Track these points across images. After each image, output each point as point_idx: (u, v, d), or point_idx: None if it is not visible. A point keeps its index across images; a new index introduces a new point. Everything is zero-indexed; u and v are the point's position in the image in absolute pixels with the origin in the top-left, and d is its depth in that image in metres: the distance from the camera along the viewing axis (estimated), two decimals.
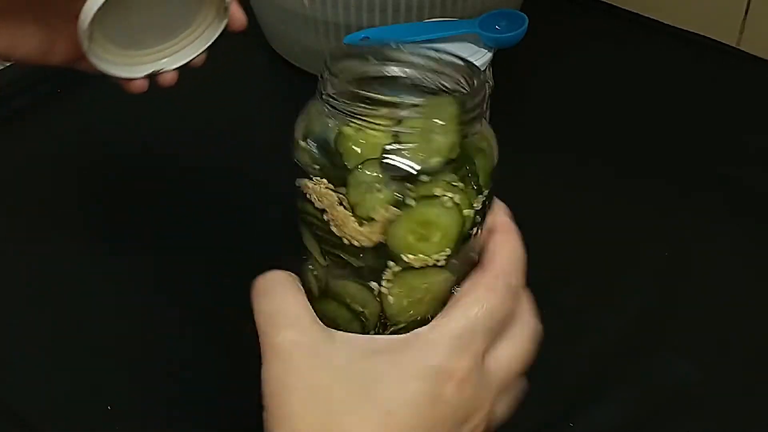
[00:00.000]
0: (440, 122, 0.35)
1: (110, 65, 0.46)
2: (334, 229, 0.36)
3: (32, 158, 0.68)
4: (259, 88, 0.77)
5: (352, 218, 0.36)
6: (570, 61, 0.77)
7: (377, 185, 0.35)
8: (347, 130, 0.36)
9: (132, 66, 0.48)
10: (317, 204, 0.36)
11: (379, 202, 0.35)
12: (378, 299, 0.37)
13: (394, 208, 0.35)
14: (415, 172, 0.35)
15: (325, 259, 0.38)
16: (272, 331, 0.36)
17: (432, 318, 0.37)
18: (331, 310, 0.38)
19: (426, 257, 0.36)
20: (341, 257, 0.37)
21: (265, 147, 0.69)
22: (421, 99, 0.37)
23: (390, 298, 0.37)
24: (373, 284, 0.37)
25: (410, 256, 0.36)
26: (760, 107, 0.73)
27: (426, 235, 0.36)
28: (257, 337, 0.37)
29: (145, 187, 0.65)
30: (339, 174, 0.36)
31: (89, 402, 0.51)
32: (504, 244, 0.38)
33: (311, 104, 0.38)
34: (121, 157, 0.67)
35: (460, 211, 0.36)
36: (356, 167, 0.35)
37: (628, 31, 0.82)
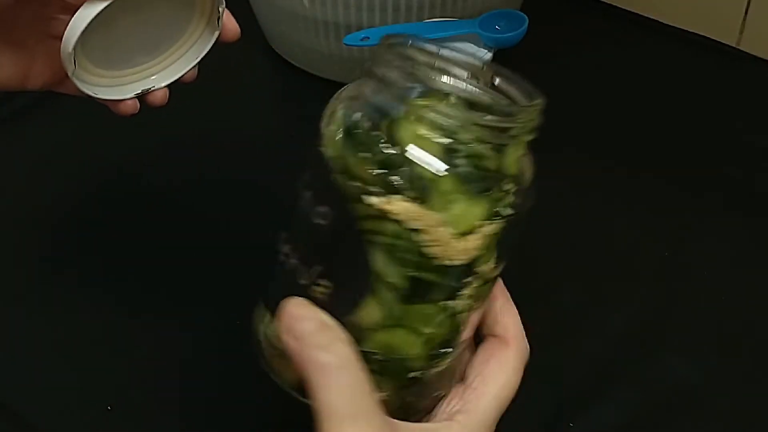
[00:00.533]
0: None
1: (96, 88, 0.44)
2: (430, 249, 0.34)
3: (32, 158, 0.68)
4: (259, 88, 0.77)
5: (454, 237, 0.34)
6: (570, 61, 0.77)
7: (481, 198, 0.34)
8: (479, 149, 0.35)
9: (119, 87, 0.45)
10: (410, 225, 0.34)
11: (481, 215, 0.34)
12: (451, 318, 0.37)
13: (500, 222, 0.35)
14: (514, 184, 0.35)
15: (404, 281, 0.35)
16: (334, 425, 0.34)
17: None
18: (398, 338, 0.36)
19: (499, 266, 0.37)
20: (422, 278, 0.35)
21: (266, 147, 0.69)
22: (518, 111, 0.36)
23: (463, 314, 0.37)
24: (451, 303, 0.36)
25: (493, 265, 0.36)
26: (760, 107, 0.73)
27: (491, 246, 0.36)
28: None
29: (144, 188, 0.65)
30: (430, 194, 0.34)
31: (89, 402, 0.51)
32: (511, 310, 0.40)
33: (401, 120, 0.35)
34: (120, 158, 0.67)
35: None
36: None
37: (628, 31, 0.81)
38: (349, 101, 0.36)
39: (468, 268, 0.35)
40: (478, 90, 0.36)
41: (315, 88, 0.72)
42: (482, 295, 0.38)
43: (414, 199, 0.33)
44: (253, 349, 0.53)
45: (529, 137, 0.36)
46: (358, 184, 0.34)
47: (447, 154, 0.34)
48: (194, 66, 0.46)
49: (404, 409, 0.38)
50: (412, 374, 0.37)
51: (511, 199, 0.35)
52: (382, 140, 0.34)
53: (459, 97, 0.35)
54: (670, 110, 0.73)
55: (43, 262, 0.59)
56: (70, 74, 0.41)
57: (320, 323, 0.35)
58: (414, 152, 0.34)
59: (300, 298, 0.36)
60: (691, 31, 0.80)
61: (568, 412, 0.51)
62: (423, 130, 0.34)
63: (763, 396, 0.52)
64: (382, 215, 0.34)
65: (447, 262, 0.34)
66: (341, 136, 0.35)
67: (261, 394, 0.51)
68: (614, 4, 0.84)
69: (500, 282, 0.40)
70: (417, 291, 0.35)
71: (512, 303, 0.40)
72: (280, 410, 0.51)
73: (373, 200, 0.34)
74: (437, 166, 0.34)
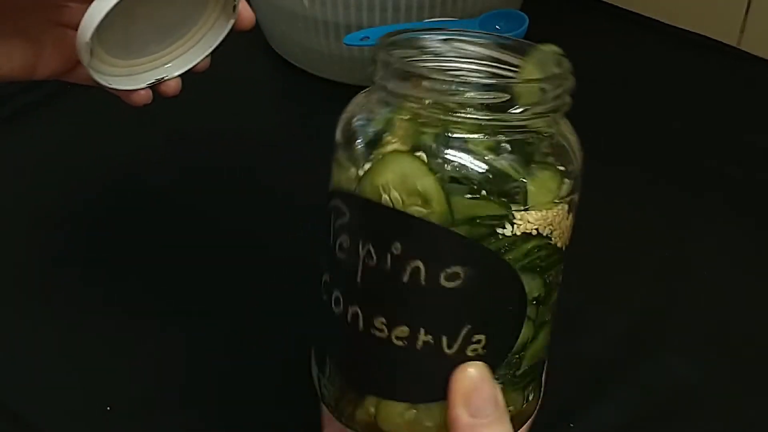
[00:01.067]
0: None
1: (111, 78, 0.43)
2: (560, 243, 0.35)
3: (32, 158, 0.68)
4: (259, 88, 0.77)
5: (568, 220, 0.35)
6: (570, 61, 0.77)
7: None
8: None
9: (133, 76, 0.44)
10: (544, 231, 0.34)
11: (570, 187, 0.35)
12: (553, 287, 0.37)
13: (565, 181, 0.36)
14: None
15: (543, 287, 0.35)
16: None
17: None
18: (543, 338, 0.37)
19: None
20: (556, 274, 0.36)
21: (266, 148, 0.69)
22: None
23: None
24: (560, 278, 0.37)
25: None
26: (760, 107, 0.73)
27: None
28: None
29: (144, 187, 0.65)
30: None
31: (89, 402, 0.51)
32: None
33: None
34: (120, 157, 0.67)
35: None
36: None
37: (628, 31, 0.81)
38: (384, 142, 0.34)
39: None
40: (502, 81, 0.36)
41: (315, 88, 0.72)
42: None
43: (532, 208, 0.33)
44: (253, 350, 0.54)
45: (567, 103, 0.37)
46: (484, 224, 0.33)
47: (519, 152, 0.34)
48: (208, 54, 0.45)
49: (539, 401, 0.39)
50: (546, 360, 0.38)
51: (568, 164, 0.36)
52: (473, 171, 0.33)
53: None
54: (670, 110, 0.73)
55: (43, 261, 0.59)
56: (85, 64, 0.40)
57: (495, 400, 0.34)
58: (499, 163, 0.33)
59: (480, 365, 0.34)
60: (691, 30, 0.80)
61: (569, 412, 0.51)
62: (484, 141, 0.33)
63: (763, 396, 0.52)
64: (520, 239, 0.33)
65: (564, 245, 0.36)
66: (440, 185, 0.33)
67: (261, 394, 0.51)
68: (614, 4, 0.84)
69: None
70: (551, 288, 0.36)
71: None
72: (280, 411, 0.51)
73: (507, 229, 0.33)
74: (524, 169, 0.34)
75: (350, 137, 0.35)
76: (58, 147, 0.69)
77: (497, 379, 0.35)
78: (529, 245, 0.34)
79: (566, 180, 0.35)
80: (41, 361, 0.53)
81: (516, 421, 0.37)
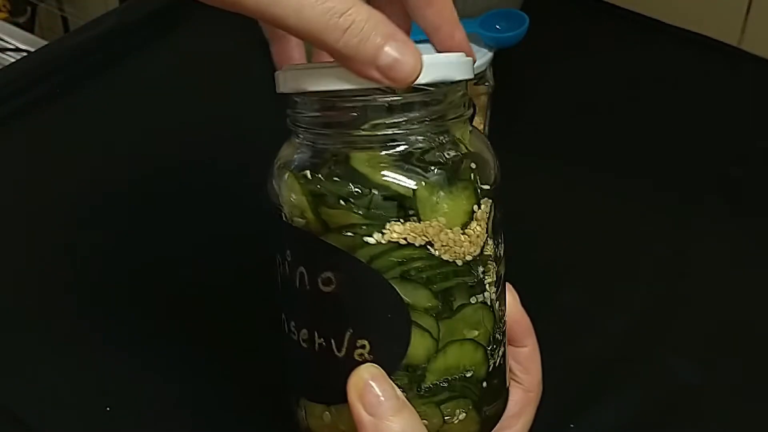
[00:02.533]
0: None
1: None
2: (445, 255, 0.35)
3: (31, 158, 0.68)
4: (259, 88, 0.77)
5: (460, 233, 0.35)
6: (570, 61, 0.77)
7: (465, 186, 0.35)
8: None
9: None
10: (417, 242, 0.34)
11: (469, 201, 0.35)
12: (489, 309, 0.37)
13: (488, 199, 0.36)
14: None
15: (435, 299, 0.35)
16: None
17: None
18: (455, 355, 0.36)
19: (501, 245, 0.38)
20: (450, 288, 0.36)
21: (265, 148, 0.69)
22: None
23: (496, 302, 0.37)
24: (482, 296, 0.36)
25: (498, 245, 0.37)
26: (761, 107, 0.73)
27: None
28: None
29: (143, 188, 0.65)
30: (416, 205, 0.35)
31: (89, 402, 0.51)
32: (537, 357, 0.42)
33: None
34: (120, 157, 0.67)
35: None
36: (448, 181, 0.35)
37: (628, 31, 0.81)
38: (289, 164, 0.37)
39: (482, 258, 0.36)
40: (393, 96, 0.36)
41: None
42: (499, 277, 0.38)
43: (407, 219, 0.34)
44: (253, 350, 0.54)
45: (467, 112, 0.37)
46: (349, 233, 0.34)
47: (408, 163, 0.34)
48: None
49: (487, 424, 0.38)
50: (483, 382, 0.37)
51: (479, 174, 0.36)
52: (347, 181, 0.34)
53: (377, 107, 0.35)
54: (670, 110, 0.73)
55: (42, 261, 0.59)
56: None
57: (390, 395, 0.35)
58: (387, 176, 0.34)
59: (371, 365, 0.35)
60: (692, 30, 0.80)
61: (569, 412, 0.51)
62: (373, 153, 0.35)
63: (763, 396, 0.52)
64: (388, 248, 0.34)
65: (462, 260, 0.35)
66: (308, 199, 0.35)
67: (261, 394, 0.51)
68: (615, 4, 0.84)
69: (531, 329, 0.41)
70: (451, 302, 0.35)
71: (538, 349, 0.42)
72: (280, 411, 0.51)
73: (374, 238, 0.34)
74: (410, 179, 0.34)
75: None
76: (54, 147, 0.69)
77: (400, 388, 0.35)
78: (399, 255, 0.34)
79: (443, 191, 0.34)
80: (41, 362, 0.53)
81: None
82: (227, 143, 0.68)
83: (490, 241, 0.36)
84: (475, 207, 0.35)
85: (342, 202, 0.34)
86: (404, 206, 0.34)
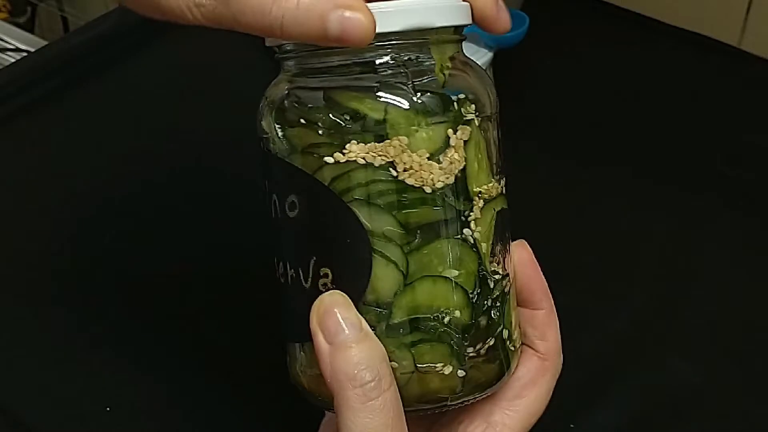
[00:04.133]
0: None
1: None
2: (408, 179, 0.33)
3: (31, 158, 0.68)
4: (259, 88, 0.77)
5: (427, 157, 0.33)
6: (570, 61, 0.77)
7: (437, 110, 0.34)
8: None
9: None
10: (377, 162, 0.33)
11: (447, 124, 0.34)
12: (472, 250, 0.34)
13: (467, 127, 0.34)
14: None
15: (399, 227, 0.34)
16: None
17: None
18: (426, 292, 0.34)
19: (496, 181, 0.35)
20: (415, 216, 0.33)
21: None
22: None
23: (484, 245, 0.35)
24: (464, 233, 0.34)
25: (490, 185, 0.35)
26: (761, 107, 0.73)
27: (490, 156, 0.35)
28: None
29: (143, 188, 0.65)
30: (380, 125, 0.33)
31: (88, 402, 0.51)
32: (554, 322, 0.40)
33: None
34: (119, 158, 0.67)
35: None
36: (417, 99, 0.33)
37: (628, 31, 0.81)
38: (269, 96, 0.37)
39: (462, 190, 0.34)
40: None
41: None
42: (494, 218, 0.36)
43: (368, 138, 0.33)
44: (253, 350, 0.54)
45: (450, 37, 0.35)
46: (312, 153, 0.34)
47: (371, 80, 0.34)
48: None
49: (473, 385, 0.36)
50: (466, 333, 0.35)
51: (462, 101, 0.34)
52: (308, 101, 0.34)
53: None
54: (670, 110, 0.73)
55: (42, 261, 0.59)
56: None
57: (353, 323, 0.33)
58: (346, 93, 0.33)
59: (334, 292, 0.34)
60: (692, 30, 0.80)
61: (569, 412, 0.51)
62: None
63: (764, 396, 0.52)
64: (348, 169, 0.33)
65: (431, 187, 0.33)
66: (275, 121, 0.35)
67: (261, 394, 0.51)
68: (615, 4, 0.84)
69: (547, 290, 0.40)
70: (417, 232, 0.34)
71: (555, 313, 0.40)
72: (280, 411, 0.51)
73: (334, 157, 0.33)
74: (369, 96, 0.33)
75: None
76: (56, 148, 0.69)
77: (369, 323, 0.33)
78: (359, 176, 0.33)
79: (406, 111, 0.33)
80: (41, 362, 0.53)
81: (415, 389, 0.35)
82: (226, 143, 0.68)
83: (480, 175, 0.35)
84: (450, 132, 0.34)
85: (302, 121, 0.34)
86: (364, 124, 0.33)
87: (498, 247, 0.36)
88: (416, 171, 0.33)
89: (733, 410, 0.51)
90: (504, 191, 0.37)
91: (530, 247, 0.39)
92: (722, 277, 0.59)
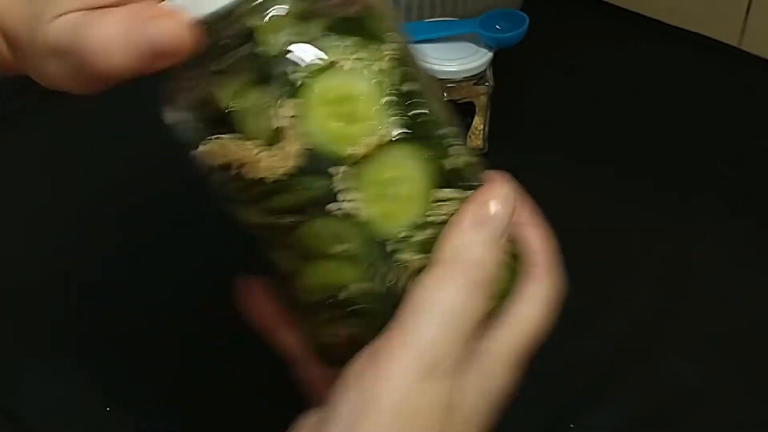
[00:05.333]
0: None
1: None
2: (250, 175, 0.31)
3: (31, 158, 0.68)
4: None
5: (259, 148, 0.31)
6: (570, 61, 0.77)
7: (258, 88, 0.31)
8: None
9: None
10: (220, 162, 0.32)
11: (271, 103, 0.30)
12: (355, 222, 0.31)
13: (292, 100, 0.30)
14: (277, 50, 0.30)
15: (273, 216, 0.33)
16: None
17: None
18: (327, 273, 0.33)
19: (365, 137, 0.31)
20: (279, 206, 0.32)
21: None
22: None
23: (364, 212, 0.31)
24: (342, 206, 0.31)
25: (350, 147, 0.30)
26: (761, 107, 0.73)
27: (349, 113, 0.31)
28: None
29: (142, 188, 0.65)
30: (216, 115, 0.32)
31: (89, 402, 0.51)
32: (538, 236, 0.38)
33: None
34: (119, 158, 0.67)
35: (370, 71, 0.31)
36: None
37: (628, 31, 0.81)
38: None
39: (314, 166, 0.31)
40: None
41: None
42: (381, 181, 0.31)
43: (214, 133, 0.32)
44: (253, 350, 0.54)
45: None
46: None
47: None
48: None
49: None
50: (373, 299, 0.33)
51: (311, 67, 0.30)
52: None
53: None
54: (670, 110, 0.73)
55: (41, 261, 0.59)
56: None
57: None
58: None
59: None
60: (692, 31, 0.80)
61: (569, 412, 0.51)
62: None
63: (764, 396, 0.52)
64: (205, 169, 0.35)
65: (280, 172, 0.31)
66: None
67: (261, 394, 0.51)
68: (615, 4, 0.84)
69: (524, 206, 0.38)
70: (289, 218, 0.32)
71: (541, 228, 0.37)
72: (280, 411, 0.51)
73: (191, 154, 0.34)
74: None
75: None
76: (56, 148, 0.69)
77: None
78: (217, 178, 0.36)
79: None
80: (41, 361, 0.53)
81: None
82: None
83: (349, 136, 0.31)
84: (282, 110, 0.30)
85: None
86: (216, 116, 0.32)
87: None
88: (254, 165, 0.32)
89: (733, 410, 0.51)
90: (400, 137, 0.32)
91: None
92: (722, 277, 0.59)
